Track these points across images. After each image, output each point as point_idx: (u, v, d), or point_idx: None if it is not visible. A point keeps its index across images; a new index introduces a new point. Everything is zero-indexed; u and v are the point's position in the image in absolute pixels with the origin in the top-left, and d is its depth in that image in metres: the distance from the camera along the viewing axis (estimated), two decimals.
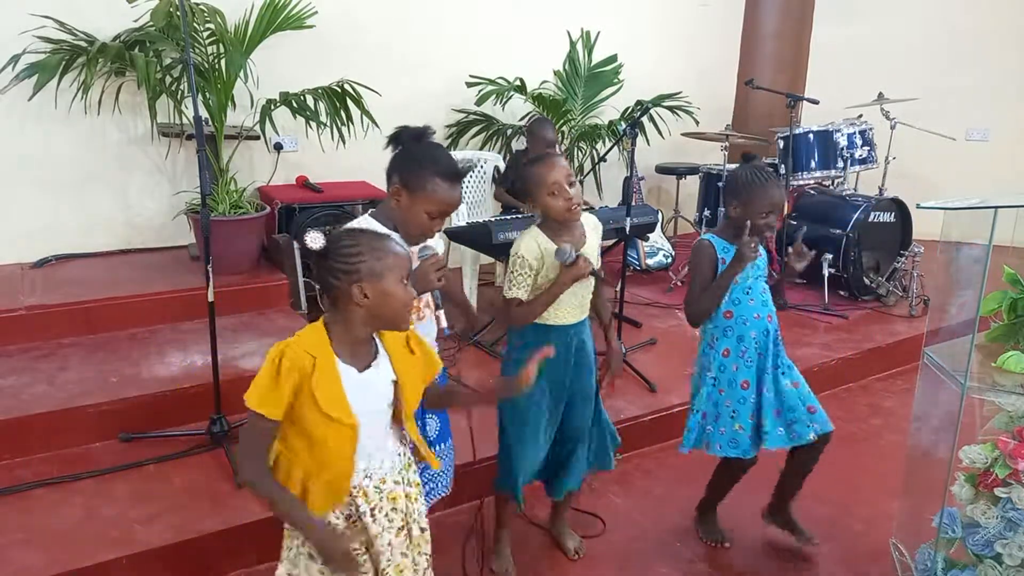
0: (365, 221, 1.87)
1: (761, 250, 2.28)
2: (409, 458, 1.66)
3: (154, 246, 4.10)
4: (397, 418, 1.60)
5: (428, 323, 1.97)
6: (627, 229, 3.59)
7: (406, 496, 1.60)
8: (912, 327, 4.26)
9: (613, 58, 5.27)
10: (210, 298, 2.63)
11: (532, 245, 2.09)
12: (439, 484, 2.15)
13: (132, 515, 2.32)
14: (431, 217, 1.81)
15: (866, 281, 4.55)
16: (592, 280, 2.15)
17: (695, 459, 3.07)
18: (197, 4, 3.71)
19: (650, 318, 4.24)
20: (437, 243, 1.99)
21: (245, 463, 1.57)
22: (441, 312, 1.96)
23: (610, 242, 4.40)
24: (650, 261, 5.03)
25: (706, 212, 5.11)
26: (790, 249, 2.31)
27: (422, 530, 1.65)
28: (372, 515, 1.54)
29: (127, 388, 2.84)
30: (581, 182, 4.91)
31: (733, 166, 5.04)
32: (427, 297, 1.92)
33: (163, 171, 4.09)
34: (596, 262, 2.19)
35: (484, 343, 3.72)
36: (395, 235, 1.84)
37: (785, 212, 2.02)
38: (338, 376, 1.47)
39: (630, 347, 3.68)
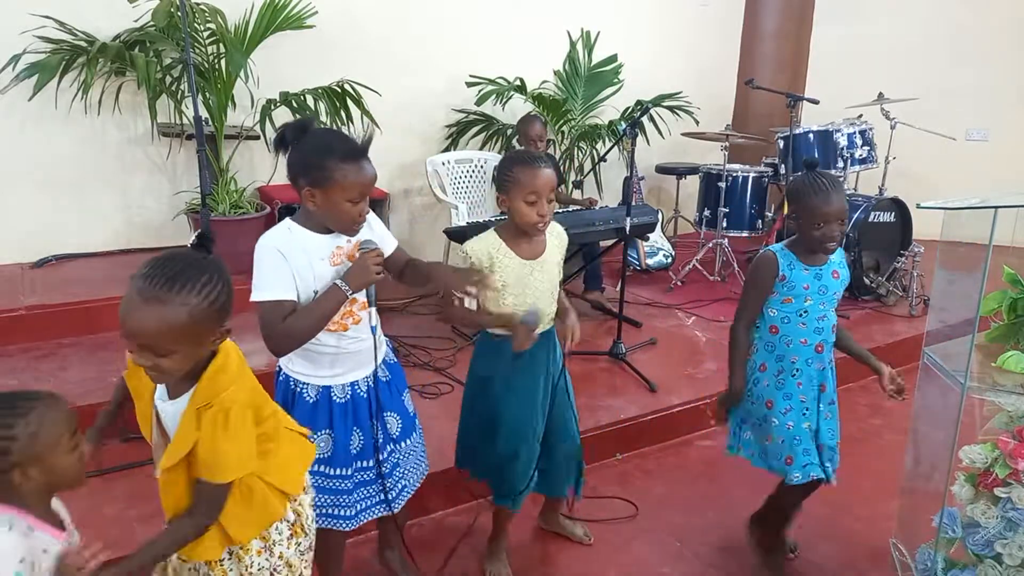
0: (286, 224, 1.77)
1: (843, 273, 2.19)
2: None
3: (154, 246, 4.09)
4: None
5: (363, 326, 1.85)
6: (627, 229, 3.59)
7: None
8: (912, 327, 4.26)
9: (613, 58, 5.27)
10: None
11: (483, 249, 2.01)
12: (417, 471, 2.08)
13: (132, 515, 2.31)
14: (353, 203, 1.71)
15: (866, 281, 4.55)
16: (556, 293, 2.12)
17: (695, 459, 3.09)
18: (197, 4, 3.71)
19: (650, 318, 4.24)
20: (387, 242, 1.92)
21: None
22: (373, 309, 1.83)
23: (610, 242, 4.40)
24: (650, 261, 5.04)
25: (706, 212, 5.10)
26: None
27: None
28: None
29: None
30: (581, 182, 4.98)
31: (733, 166, 5.06)
32: (361, 298, 1.82)
33: (163, 171, 4.09)
34: (558, 273, 2.13)
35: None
36: (324, 237, 1.76)
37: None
38: None
39: (630, 347, 3.68)
